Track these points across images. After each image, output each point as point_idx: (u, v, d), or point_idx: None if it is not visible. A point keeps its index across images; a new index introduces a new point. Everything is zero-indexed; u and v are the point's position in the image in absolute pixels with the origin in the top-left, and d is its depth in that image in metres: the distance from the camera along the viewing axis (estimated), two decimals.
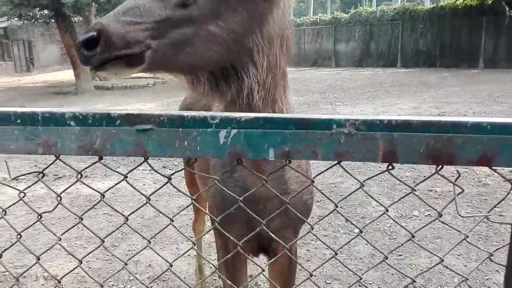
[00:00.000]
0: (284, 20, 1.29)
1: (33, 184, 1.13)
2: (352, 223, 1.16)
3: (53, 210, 1.10)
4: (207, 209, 2.40)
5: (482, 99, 10.43)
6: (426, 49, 21.92)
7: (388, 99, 11.16)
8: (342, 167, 0.93)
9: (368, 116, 0.90)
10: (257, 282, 2.98)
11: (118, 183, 1.07)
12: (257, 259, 1.82)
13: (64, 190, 1.14)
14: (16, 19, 16.27)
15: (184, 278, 3.11)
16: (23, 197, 1.03)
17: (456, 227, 3.56)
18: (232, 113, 0.92)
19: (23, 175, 1.20)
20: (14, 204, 1.12)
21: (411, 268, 3.09)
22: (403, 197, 0.94)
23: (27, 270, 1.21)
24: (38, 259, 0.99)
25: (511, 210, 3.74)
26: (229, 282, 1.62)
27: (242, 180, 1.46)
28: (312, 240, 3.49)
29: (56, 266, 3.21)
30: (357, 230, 3.66)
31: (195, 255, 3.25)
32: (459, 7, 20.63)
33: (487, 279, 2.92)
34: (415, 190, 0.89)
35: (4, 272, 3.04)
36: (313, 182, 1.04)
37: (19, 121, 0.99)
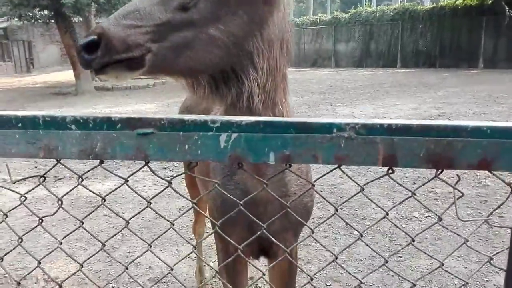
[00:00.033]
0: (284, 23, 1.29)
1: (34, 188, 1.14)
2: (352, 227, 1.16)
3: (54, 214, 1.10)
4: (207, 211, 2.40)
5: (482, 99, 10.43)
6: (426, 49, 21.94)
7: (388, 100, 11.16)
8: (342, 171, 0.93)
9: (368, 120, 0.90)
10: (257, 285, 2.98)
11: (119, 187, 1.07)
12: (258, 261, 1.82)
13: (65, 194, 1.14)
14: (16, 19, 16.28)
15: (185, 280, 3.11)
16: (24, 200, 1.03)
17: (456, 228, 3.56)
18: (233, 117, 0.92)
19: (24, 178, 1.21)
20: (15, 208, 1.12)
21: (411, 270, 3.09)
22: (403, 201, 0.94)
23: (29, 273, 1.21)
24: (39, 263, 0.99)
25: (511, 212, 3.74)
26: (230, 286, 1.63)
27: (242, 182, 1.46)
28: (312, 242, 3.50)
29: (56, 268, 3.21)
30: (357, 232, 3.66)
31: (195, 257, 3.25)
32: (459, 7, 20.65)
33: (487, 280, 2.92)
34: (415, 194, 0.90)
35: (5, 274, 3.04)
36: (314, 186, 1.04)
37: (20, 125, 0.99)
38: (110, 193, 1.08)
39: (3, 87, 19.03)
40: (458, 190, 0.88)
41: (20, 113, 0.99)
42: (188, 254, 1.26)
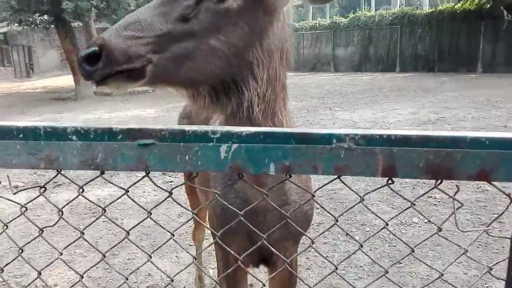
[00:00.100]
0: (283, 33, 1.30)
1: (34, 198, 1.14)
2: (352, 238, 1.17)
3: (54, 224, 1.10)
4: (206, 217, 2.40)
5: (481, 104, 10.46)
6: (424, 53, 21.99)
7: (387, 104, 11.18)
8: (342, 182, 0.94)
9: (368, 130, 0.91)
10: None
11: (119, 197, 1.07)
12: (257, 269, 1.82)
13: (66, 204, 1.14)
14: (16, 24, 16.32)
15: (184, 287, 3.11)
16: (24, 211, 1.03)
17: (456, 234, 3.56)
18: (233, 127, 0.93)
19: (24, 189, 1.22)
20: (15, 218, 1.13)
21: (411, 276, 3.08)
22: (402, 212, 0.95)
23: (29, 284, 1.21)
24: (40, 273, 0.99)
25: (511, 217, 3.74)
26: None
27: (242, 191, 1.47)
28: (312, 248, 3.49)
29: (56, 275, 3.20)
30: (357, 238, 3.65)
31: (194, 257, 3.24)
32: (458, 12, 20.72)
33: (487, 287, 2.92)
34: (414, 204, 0.90)
35: (3, 282, 3.03)
36: (314, 196, 1.05)
37: (21, 135, 0.99)
38: (110, 203, 1.08)
39: (3, 92, 19.05)
40: (458, 201, 0.89)
41: (21, 123, 1.00)
42: (189, 265, 1.26)
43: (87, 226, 1.13)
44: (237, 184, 1.47)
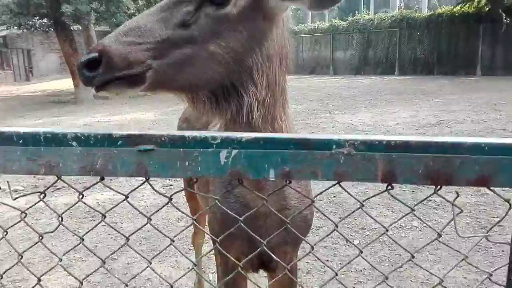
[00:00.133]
0: (283, 38, 1.30)
1: (34, 204, 1.14)
2: (353, 244, 1.17)
3: (54, 231, 1.10)
4: (206, 222, 2.39)
5: (480, 107, 10.47)
6: (423, 56, 22.03)
7: (387, 107, 11.20)
8: (342, 187, 0.94)
9: (367, 136, 0.91)
10: None
11: (119, 203, 1.08)
12: (257, 275, 1.82)
13: (66, 211, 1.14)
14: (16, 28, 16.34)
15: None
16: (24, 217, 1.03)
17: (455, 238, 3.55)
18: (233, 133, 0.93)
19: (24, 195, 1.22)
20: (15, 224, 1.13)
21: (411, 280, 3.08)
22: (402, 217, 0.95)
23: None
24: (39, 280, 0.99)
25: (510, 220, 3.74)
26: None
27: (242, 196, 1.47)
28: (311, 252, 3.49)
29: (54, 280, 3.19)
30: (357, 242, 3.65)
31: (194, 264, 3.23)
32: (456, 15, 20.77)
33: None
34: (414, 210, 0.90)
35: (2, 287, 3.02)
36: (313, 202, 1.05)
37: (21, 141, 0.99)
38: (110, 210, 1.08)
39: (3, 96, 19.06)
40: (457, 207, 0.89)
41: (22, 129, 1.00)
42: (188, 271, 1.25)
43: (87, 232, 1.13)
44: (237, 189, 1.47)
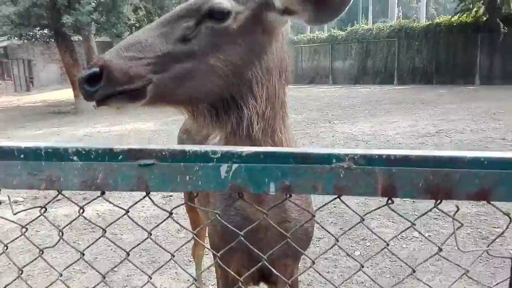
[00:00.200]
0: (282, 51, 1.31)
1: (35, 219, 1.14)
2: (353, 258, 1.17)
3: (54, 245, 1.10)
4: (206, 233, 2.39)
5: (479, 116, 10.49)
6: (422, 66, 22.14)
7: (386, 117, 11.22)
8: (342, 201, 0.94)
9: (367, 150, 0.91)
10: None
11: (119, 218, 1.07)
12: (257, 287, 1.81)
13: (66, 226, 1.14)
14: (16, 38, 16.43)
15: None
16: (25, 232, 1.03)
17: (456, 249, 3.53)
18: (233, 147, 0.93)
19: (25, 210, 1.22)
20: (15, 239, 1.12)
21: None
22: (403, 231, 0.95)
23: None
24: None
25: (511, 231, 3.72)
26: None
27: (243, 209, 1.47)
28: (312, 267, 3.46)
29: None
30: (358, 253, 3.63)
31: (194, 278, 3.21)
32: (454, 24, 20.92)
33: None
34: (414, 225, 0.90)
35: None
36: (314, 216, 1.05)
37: (22, 156, 0.99)
38: (110, 224, 1.08)
39: (3, 106, 19.11)
40: (458, 221, 0.89)
41: (23, 144, 1.00)
42: (189, 286, 1.24)
43: (87, 247, 1.13)
44: (238, 202, 1.47)
